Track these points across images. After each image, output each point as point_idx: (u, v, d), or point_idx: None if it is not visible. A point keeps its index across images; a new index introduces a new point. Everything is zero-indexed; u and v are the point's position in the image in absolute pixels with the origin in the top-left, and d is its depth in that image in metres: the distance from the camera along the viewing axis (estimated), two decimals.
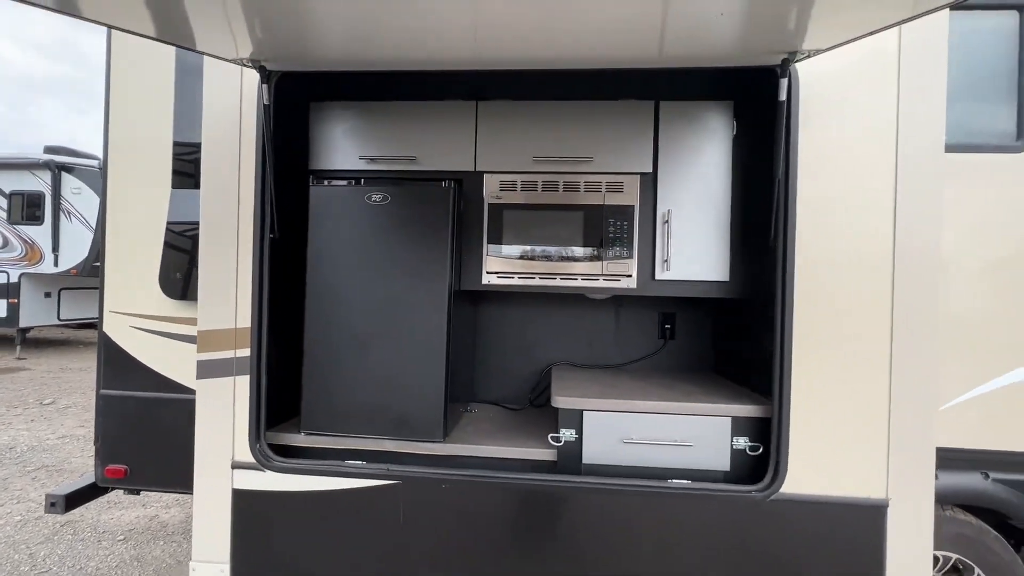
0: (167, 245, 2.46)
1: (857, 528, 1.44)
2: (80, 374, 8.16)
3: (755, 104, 1.76)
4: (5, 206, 9.15)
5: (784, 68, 1.40)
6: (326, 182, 1.75)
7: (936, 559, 2.24)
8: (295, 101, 1.86)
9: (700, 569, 1.50)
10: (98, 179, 9.23)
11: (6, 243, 9.18)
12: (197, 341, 1.65)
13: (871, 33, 1.23)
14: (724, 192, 1.80)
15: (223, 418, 1.62)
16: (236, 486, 1.61)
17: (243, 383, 1.61)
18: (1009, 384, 2.14)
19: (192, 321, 2.48)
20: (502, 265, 1.83)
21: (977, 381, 2.15)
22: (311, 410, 1.73)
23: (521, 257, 1.83)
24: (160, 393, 2.48)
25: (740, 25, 1.22)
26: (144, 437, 2.47)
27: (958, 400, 2.16)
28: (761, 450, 1.56)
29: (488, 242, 1.87)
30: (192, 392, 2.40)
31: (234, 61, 1.52)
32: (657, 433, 1.59)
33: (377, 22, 1.27)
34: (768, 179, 1.51)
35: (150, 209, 2.44)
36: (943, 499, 2.23)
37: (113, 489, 2.65)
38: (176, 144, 2.48)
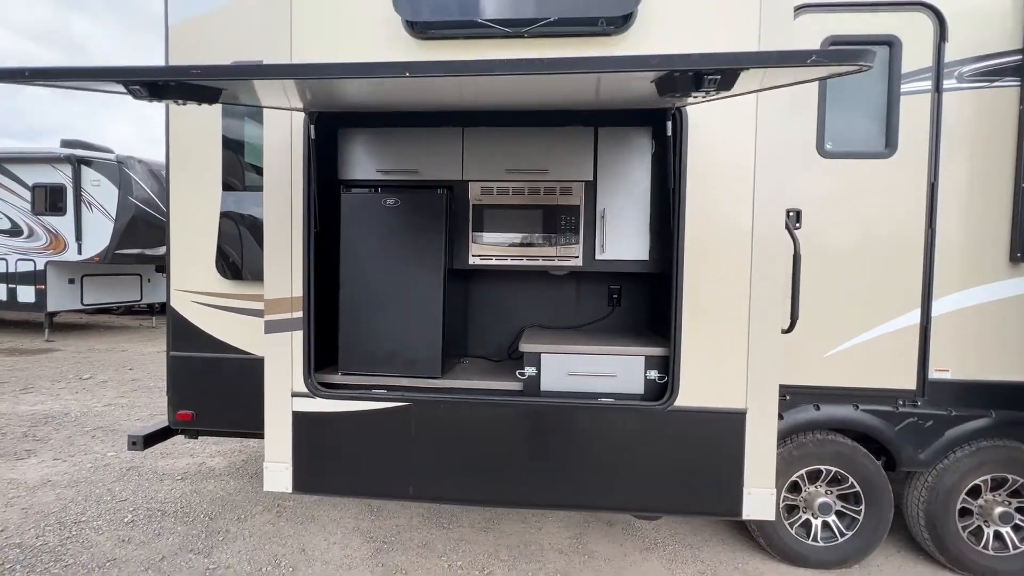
0: (220, 237, 3.08)
1: (726, 427, 2.10)
2: (107, 354, 8.83)
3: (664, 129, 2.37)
4: (29, 198, 9.74)
5: (669, 112, 2.01)
6: (352, 190, 2.37)
7: (820, 471, 2.92)
8: (328, 128, 2.46)
9: (621, 457, 2.16)
10: (115, 171, 9.78)
11: (32, 233, 9.78)
12: (264, 306, 2.28)
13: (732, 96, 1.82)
14: (645, 194, 2.42)
15: (284, 361, 2.26)
16: (295, 409, 2.27)
17: (298, 337, 2.26)
18: (871, 338, 2.78)
19: (241, 296, 3.13)
20: (483, 250, 2.47)
21: (848, 337, 2.79)
22: (346, 356, 2.39)
23: (497, 243, 2.46)
24: (217, 354, 3.14)
25: (646, 88, 1.81)
26: (206, 388, 3.13)
27: (836, 350, 2.81)
28: (665, 379, 2.21)
29: (472, 231, 2.50)
30: (242, 352, 3.08)
31: (287, 109, 2.13)
32: (593, 368, 2.24)
33: (388, 93, 1.87)
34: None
35: (206, 208, 3.06)
36: (825, 425, 2.90)
37: (181, 432, 3.32)
38: (224, 155, 3.09)
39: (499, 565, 2.85)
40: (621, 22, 2.07)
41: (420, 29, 2.14)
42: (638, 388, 2.23)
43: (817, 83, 2.75)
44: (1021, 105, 2.66)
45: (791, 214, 2.76)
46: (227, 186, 3.11)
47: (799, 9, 2.74)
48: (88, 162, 9.50)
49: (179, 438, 4.74)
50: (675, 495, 2.15)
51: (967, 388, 2.76)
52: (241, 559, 2.88)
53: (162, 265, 11.07)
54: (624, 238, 2.39)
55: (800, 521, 2.91)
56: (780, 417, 2.80)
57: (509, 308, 2.95)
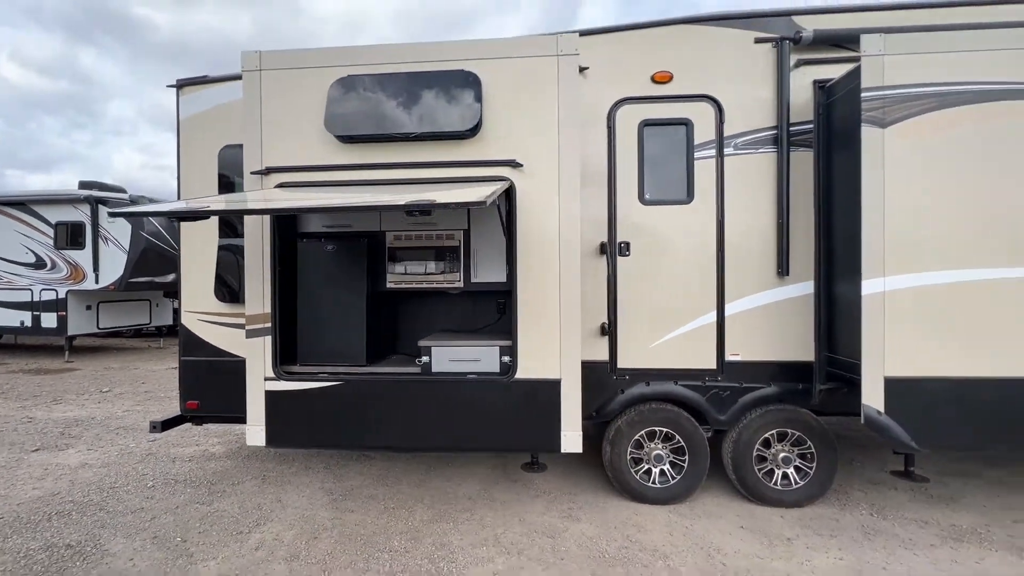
0: (217, 272, 4.20)
1: (548, 391, 3.17)
2: (121, 371, 9.93)
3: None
4: (52, 235, 10.97)
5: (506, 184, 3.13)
6: (305, 240, 3.49)
7: (655, 431, 3.96)
8: None
9: (483, 413, 3.23)
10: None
11: (54, 265, 10.99)
12: (245, 320, 3.38)
13: None
14: (501, 237, 3.53)
15: (259, 356, 3.35)
16: (267, 388, 3.35)
17: (269, 339, 3.35)
18: (684, 332, 3.85)
19: (233, 315, 4.24)
20: (396, 278, 3.59)
21: (668, 331, 3.86)
22: (303, 353, 3.48)
23: (405, 273, 3.58)
24: (216, 357, 4.23)
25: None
26: (207, 383, 4.22)
27: (660, 341, 3.88)
28: (510, 360, 3.29)
29: (388, 264, 3.62)
30: (234, 356, 4.18)
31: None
32: (465, 355, 3.33)
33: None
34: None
35: (206, 251, 4.18)
36: (655, 397, 3.96)
37: (190, 419, 4.39)
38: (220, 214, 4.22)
39: (422, 506, 3.89)
40: (471, 132, 3.20)
41: (345, 140, 3.28)
42: (495, 367, 3.31)
43: (637, 152, 3.87)
44: (777, 165, 3.78)
45: (621, 244, 3.89)
46: (223, 234, 4.25)
47: (621, 102, 3.89)
48: (104, 201, 10.73)
49: (188, 432, 5.88)
50: (518, 438, 3.22)
51: (752, 366, 3.82)
52: (233, 506, 3.93)
53: (169, 291, 12.22)
54: (490, 267, 3.50)
55: (644, 469, 3.96)
56: (621, 392, 3.88)
57: (430, 319, 4.06)
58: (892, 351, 3.18)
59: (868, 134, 3.20)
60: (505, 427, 3.23)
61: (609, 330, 3.88)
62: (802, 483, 3.83)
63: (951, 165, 3.15)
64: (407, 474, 4.48)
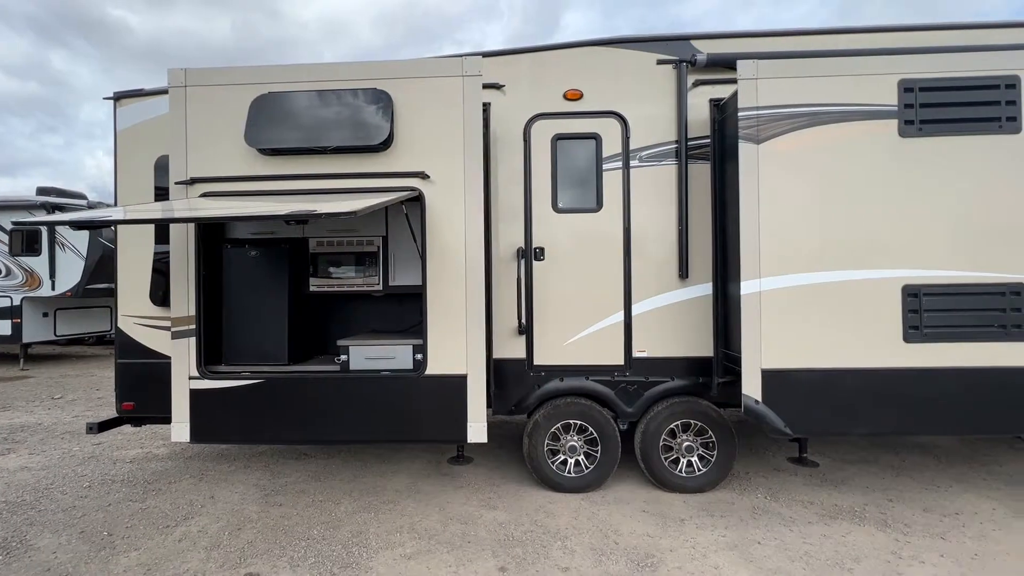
0: (153, 275, 4.35)
1: (456, 385, 3.41)
2: (77, 379, 9.86)
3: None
4: (7, 241, 10.84)
5: (420, 196, 3.38)
6: (229, 246, 3.68)
7: (570, 424, 4.23)
8: None
9: (398, 407, 3.45)
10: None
11: (9, 272, 10.85)
12: (171, 322, 3.55)
13: None
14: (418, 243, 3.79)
15: (184, 356, 3.53)
16: (191, 387, 3.53)
17: (193, 340, 3.53)
18: (594, 331, 4.14)
19: (167, 319, 4.39)
20: (319, 282, 3.80)
21: (580, 330, 4.15)
22: (229, 353, 3.66)
23: (327, 277, 3.79)
24: (150, 360, 4.37)
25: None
26: (142, 385, 4.35)
27: (572, 340, 4.15)
28: (422, 357, 3.53)
29: (311, 269, 3.83)
30: (169, 358, 4.32)
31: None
32: (381, 354, 3.55)
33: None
34: None
35: (142, 256, 4.33)
36: (569, 392, 4.23)
37: (128, 420, 4.51)
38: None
39: (348, 499, 4.09)
40: (383, 146, 3.45)
41: (265, 152, 3.50)
42: (409, 364, 3.55)
43: (550, 163, 4.16)
44: (678, 176, 4.10)
45: (536, 250, 4.17)
46: (159, 239, 4.40)
47: (536, 117, 4.18)
48: (62, 208, 10.65)
49: (135, 435, 5.95)
50: (429, 429, 3.46)
51: (657, 362, 4.12)
52: (166, 503, 4.07)
53: None
54: (407, 271, 3.74)
55: (560, 460, 4.22)
56: (537, 387, 4.15)
57: (362, 320, 4.28)
58: (768, 346, 3.51)
59: (745, 149, 3.54)
60: (417, 420, 3.46)
61: (526, 329, 4.15)
62: (704, 470, 4.13)
63: (816, 177, 3.50)
64: (342, 470, 4.67)
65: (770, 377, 3.51)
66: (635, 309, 4.13)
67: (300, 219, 2.45)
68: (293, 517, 3.78)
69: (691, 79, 4.11)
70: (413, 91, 3.47)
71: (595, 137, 4.17)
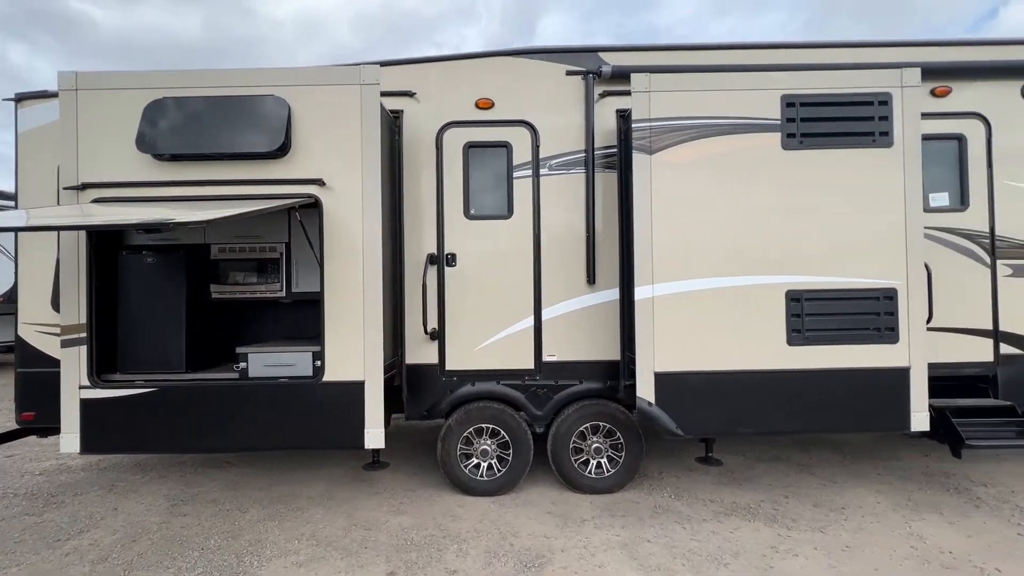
0: (55, 282, 4.24)
1: (353, 391, 3.43)
2: (8, 388, 9.47)
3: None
4: None
5: (318, 204, 3.38)
6: (125, 253, 3.62)
7: (483, 428, 4.28)
8: None
9: (298, 413, 3.44)
10: None
11: None
12: (61, 329, 3.47)
13: None
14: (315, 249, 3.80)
15: (75, 365, 3.45)
16: (82, 396, 3.45)
17: (84, 348, 3.45)
18: (505, 336, 4.20)
19: None
20: (221, 288, 3.76)
21: (491, 336, 4.21)
22: (123, 361, 3.59)
23: (230, 284, 3.76)
24: (52, 368, 4.24)
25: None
26: (43, 394, 4.22)
27: (483, 345, 4.21)
28: (320, 364, 3.53)
29: (213, 276, 3.79)
30: None
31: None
32: (280, 360, 3.54)
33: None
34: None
35: (44, 262, 4.21)
36: (481, 396, 4.28)
37: (31, 432, 4.36)
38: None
39: (257, 507, 4.05)
40: (280, 152, 3.45)
41: (159, 158, 3.45)
42: (308, 371, 3.55)
43: (462, 171, 4.22)
44: (586, 184, 4.20)
45: (448, 255, 4.22)
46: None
47: (448, 125, 4.24)
48: None
49: (49, 446, 5.74)
50: (327, 436, 3.46)
51: (566, 366, 4.21)
52: (64, 516, 3.96)
53: None
54: (309, 277, 3.74)
55: (474, 463, 4.26)
56: (450, 392, 4.19)
57: (270, 328, 4.25)
58: (661, 349, 3.63)
59: (638, 159, 3.66)
60: (315, 426, 3.46)
61: (438, 335, 4.19)
62: (613, 471, 4.23)
63: (706, 187, 3.65)
64: (260, 478, 4.62)
65: (663, 380, 3.63)
66: (545, 314, 4.21)
67: (152, 228, 2.44)
68: (194, 527, 3.73)
69: (599, 90, 4.23)
70: (311, 99, 3.48)
71: (506, 145, 4.24)
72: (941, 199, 4.23)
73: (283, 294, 3.77)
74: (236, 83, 3.48)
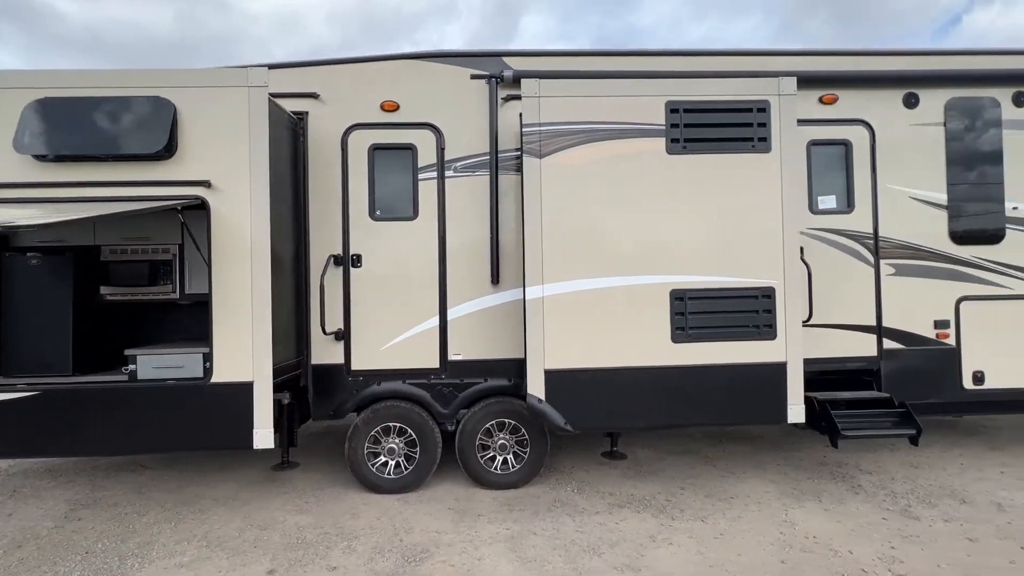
0: None
1: (241, 394, 3.45)
2: None
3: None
4: None
5: (206, 207, 3.39)
6: (9, 254, 3.57)
7: (390, 427, 4.33)
8: None
9: (181, 417, 3.45)
10: None
11: None
12: None
13: None
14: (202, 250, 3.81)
15: None
16: None
17: None
18: (410, 336, 4.26)
19: None
20: (113, 290, 3.74)
21: (396, 335, 4.26)
22: (7, 365, 3.54)
23: (121, 286, 3.74)
24: None
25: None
26: None
27: (389, 344, 4.26)
28: (210, 365, 3.54)
29: (104, 278, 3.77)
30: None
31: None
32: (169, 362, 3.54)
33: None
34: None
35: None
36: (387, 396, 4.33)
37: None
38: None
39: (158, 509, 4.03)
40: (166, 154, 3.44)
41: (41, 159, 3.41)
42: (199, 372, 3.55)
43: (367, 173, 4.26)
44: (490, 186, 4.28)
45: (353, 257, 4.26)
46: None
47: (354, 127, 4.27)
48: None
49: None
50: (216, 437, 3.48)
51: (472, 364, 4.29)
52: None
53: None
54: (202, 278, 3.74)
55: (381, 462, 4.31)
56: (355, 392, 4.22)
57: (167, 330, 4.23)
58: (551, 347, 3.74)
59: (528, 163, 3.77)
60: (204, 428, 3.47)
61: (344, 335, 4.22)
62: (518, 467, 4.32)
63: (594, 190, 3.77)
64: (169, 481, 4.58)
65: (552, 377, 3.74)
66: (451, 314, 4.29)
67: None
68: (86, 532, 3.70)
69: (503, 94, 4.31)
70: (198, 100, 3.48)
71: (411, 147, 4.30)
72: (829, 201, 4.44)
73: (177, 295, 3.76)
74: (120, 84, 3.46)
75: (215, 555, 3.34)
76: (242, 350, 3.46)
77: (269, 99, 3.79)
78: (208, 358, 3.52)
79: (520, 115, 4.20)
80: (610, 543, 3.39)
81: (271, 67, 4.28)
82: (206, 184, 3.45)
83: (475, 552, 3.32)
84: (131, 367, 3.53)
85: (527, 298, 3.74)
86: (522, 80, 3.78)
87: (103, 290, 3.77)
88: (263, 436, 3.47)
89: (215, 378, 3.45)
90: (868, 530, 3.50)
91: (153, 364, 3.52)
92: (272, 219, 3.71)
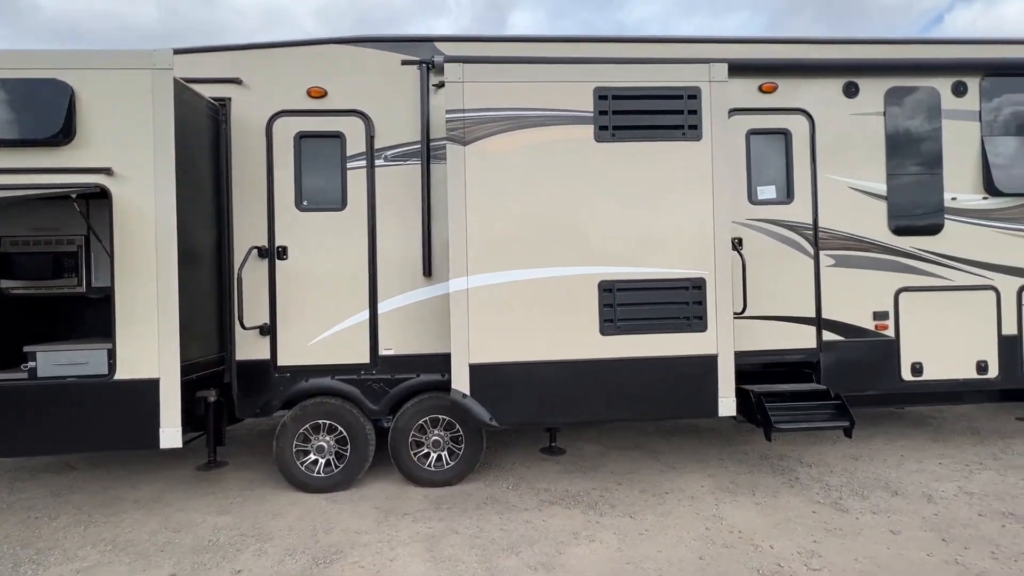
0: None
1: (147, 391, 3.30)
2: None
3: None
4: None
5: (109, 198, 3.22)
6: None
7: (320, 424, 4.20)
8: None
9: (83, 416, 3.29)
10: None
11: None
12: None
13: None
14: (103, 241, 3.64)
15: None
16: None
17: None
18: (339, 330, 4.13)
19: None
20: (13, 284, 3.56)
21: (324, 330, 4.13)
22: None
23: (24, 278, 3.56)
24: None
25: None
26: None
27: (316, 340, 4.12)
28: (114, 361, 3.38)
29: (5, 266, 3.59)
30: None
31: None
32: (73, 359, 3.38)
33: None
34: None
35: None
36: (316, 392, 4.19)
37: None
38: None
39: (73, 511, 3.86)
40: (63, 139, 3.27)
41: None
42: (103, 369, 3.40)
43: (294, 161, 4.10)
44: (422, 176, 4.16)
45: (279, 248, 4.11)
46: None
47: (279, 114, 4.12)
48: None
49: None
50: (120, 436, 3.34)
51: (404, 359, 4.17)
52: None
53: None
54: (106, 272, 3.58)
55: (311, 460, 4.18)
56: (282, 389, 4.08)
57: (74, 325, 4.05)
58: (476, 340, 3.63)
59: (452, 151, 3.65)
60: (109, 427, 3.32)
61: (270, 330, 4.08)
62: (453, 464, 4.22)
63: (521, 179, 3.66)
64: (93, 483, 4.41)
65: (478, 371, 3.64)
66: (381, 307, 4.16)
67: None
68: None
69: (435, 80, 4.18)
70: (99, 83, 3.30)
71: (339, 135, 4.15)
72: (768, 192, 4.38)
73: (83, 289, 3.59)
74: (14, 65, 3.27)
75: (117, 559, 3.19)
76: (147, 345, 3.30)
77: (182, 84, 3.63)
78: (112, 354, 3.36)
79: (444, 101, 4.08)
80: (530, 541, 3.30)
81: (192, 51, 4.14)
82: (107, 171, 3.28)
83: (390, 552, 3.21)
84: (31, 364, 3.36)
85: (451, 290, 3.63)
86: (445, 64, 3.65)
87: (3, 284, 3.59)
88: (171, 435, 3.32)
89: (119, 375, 3.29)
90: (794, 524, 3.45)
91: (54, 361, 3.35)
92: (185, 209, 3.57)
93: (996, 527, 3.33)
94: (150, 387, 3.31)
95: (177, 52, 4.11)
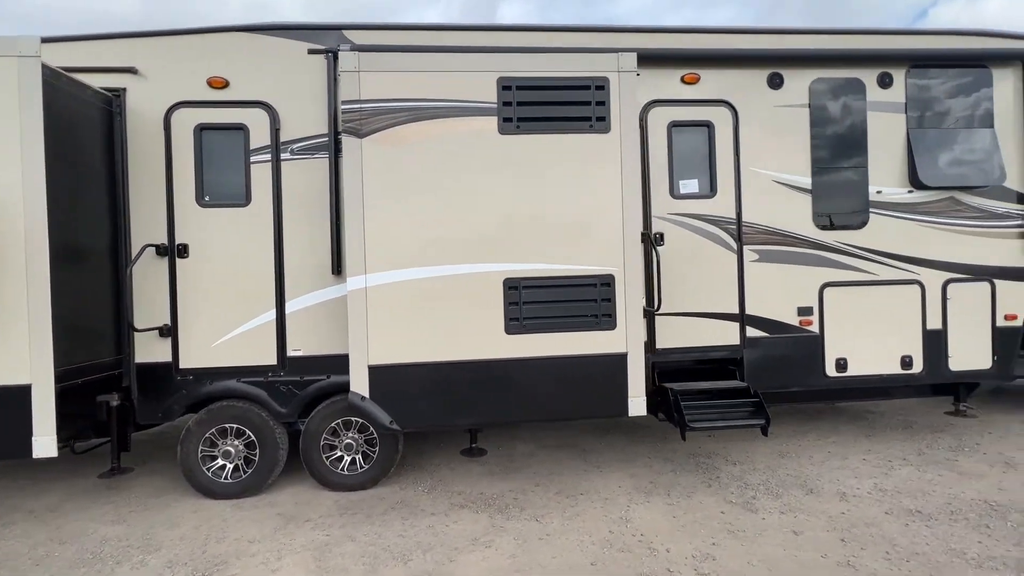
0: None
1: (17, 398, 3.13)
2: None
3: None
4: None
5: None
6: None
7: (226, 428, 4.06)
8: None
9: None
10: None
11: None
12: None
13: None
14: None
15: None
16: None
17: None
18: (244, 331, 3.97)
19: None
20: None
21: (228, 331, 3.97)
22: None
23: None
24: None
25: None
26: None
27: (220, 341, 3.97)
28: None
29: None
30: None
31: None
32: None
33: None
34: None
35: None
36: (220, 395, 4.04)
37: None
38: None
39: (26, 516, 3.69)
40: None
41: None
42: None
43: (194, 155, 3.93)
44: (330, 170, 4.00)
45: (179, 246, 3.94)
46: None
47: (177, 105, 3.93)
48: None
49: None
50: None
51: (314, 360, 4.03)
52: None
53: None
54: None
55: (217, 465, 4.03)
56: (184, 392, 3.93)
57: None
58: (375, 341, 3.50)
59: (348, 143, 3.49)
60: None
61: (170, 331, 3.91)
62: (367, 467, 4.09)
63: (421, 173, 3.52)
64: (2, 489, 4.24)
65: (377, 373, 3.51)
66: (289, 307, 4.01)
67: None
68: None
69: (341, 70, 4.01)
70: None
71: (242, 128, 3.98)
72: (691, 186, 4.29)
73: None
74: None
75: None
76: (17, 349, 3.13)
77: (59, 73, 3.44)
78: None
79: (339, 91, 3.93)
80: (425, 548, 3.19)
81: (85, 38, 3.94)
82: None
83: (275, 563, 3.08)
84: None
85: (349, 289, 3.49)
86: (339, 53, 3.49)
87: None
88: (45, 444, 3.16)
89: None
90: (699, 525, 3.37)
91: None
92: (67, 206, 3.40)
93: (899, 526, 3.29)
94: (21, 394, 3.14)
95: (70, 39, 3.94)
